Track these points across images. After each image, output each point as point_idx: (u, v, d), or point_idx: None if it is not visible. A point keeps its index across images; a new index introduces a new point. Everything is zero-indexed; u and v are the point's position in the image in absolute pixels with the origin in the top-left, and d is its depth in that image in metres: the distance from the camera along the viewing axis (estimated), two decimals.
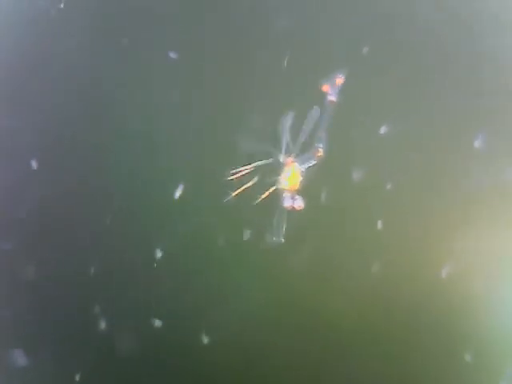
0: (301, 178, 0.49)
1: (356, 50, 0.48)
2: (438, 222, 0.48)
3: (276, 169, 0.49)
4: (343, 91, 0.48)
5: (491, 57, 0.49)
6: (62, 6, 0.52)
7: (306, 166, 0.49)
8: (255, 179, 0.48)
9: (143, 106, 0.51)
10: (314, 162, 0.49)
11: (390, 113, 0.49)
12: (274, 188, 0.49)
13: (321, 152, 0.48)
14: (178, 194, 0.50)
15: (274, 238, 0.48)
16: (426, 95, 0.49)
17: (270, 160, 0.49)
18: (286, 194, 0.49)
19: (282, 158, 0.49)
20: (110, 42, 0.52)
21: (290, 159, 0.49)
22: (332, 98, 0.48)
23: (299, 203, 0.49)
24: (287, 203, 0.48)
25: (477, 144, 0.48)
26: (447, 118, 0.49)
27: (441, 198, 0.48)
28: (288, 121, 0.48)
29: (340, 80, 0.48)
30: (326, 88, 0.48)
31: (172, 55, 0.50)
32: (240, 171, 0.48)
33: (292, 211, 0.48)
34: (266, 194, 0.48)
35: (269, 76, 0.49)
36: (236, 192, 0.48)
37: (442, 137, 0.49)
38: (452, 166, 0.49)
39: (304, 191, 0.49)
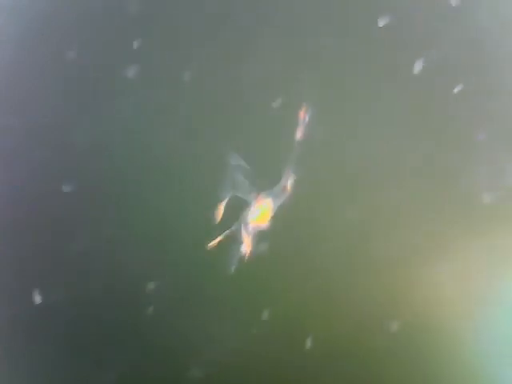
0: (271, 215, 0.49)
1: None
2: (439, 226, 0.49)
3: (246, 205, 0.49)
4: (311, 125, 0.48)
5: (492, 57, 0.49)
6: None
7: (278, 203, 0.49)
8: (228, 232, 0.49)
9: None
10: (283, 199, 0.49)
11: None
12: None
13: (289, 187, 0.48)
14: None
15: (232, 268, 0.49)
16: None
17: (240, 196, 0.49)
18: (250, 230, 0.49)
19: (252, 195, 0.49)
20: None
21: (261, 196, 0.49)
22: (300, 133, 0.48)
23: (264, 247, 0.49)
24: (243, 249, 0.49)
25: (478, 143, 0.48)
26: (446, 118, 0.49)
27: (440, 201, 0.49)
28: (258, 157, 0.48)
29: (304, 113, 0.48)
30: (302, 115, 0.48)
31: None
32: (217, 239, 0.49)
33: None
34: (219, 239, 0.48)
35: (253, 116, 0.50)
36: (212, 243, 0.49)
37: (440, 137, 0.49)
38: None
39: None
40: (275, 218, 0.49)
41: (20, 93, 0.53)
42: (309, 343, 0.48)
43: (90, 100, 0.51)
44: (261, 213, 0.49)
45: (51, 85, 0.52)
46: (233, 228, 0.49)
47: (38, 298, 0.51)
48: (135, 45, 0.51)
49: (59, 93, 0.52)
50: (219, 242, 0.48)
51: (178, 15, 0.51)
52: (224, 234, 0.48)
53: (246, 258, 0.49)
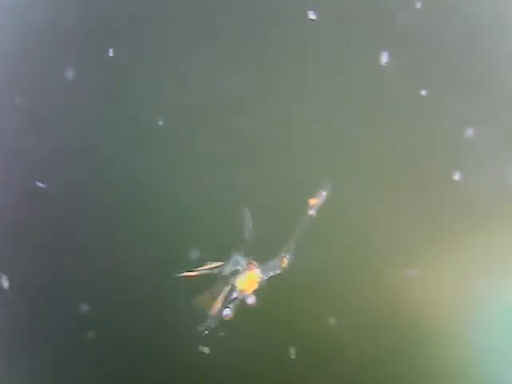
0: (256, 286, 0.48)
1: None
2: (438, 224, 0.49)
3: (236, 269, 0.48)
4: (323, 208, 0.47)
5: (491, 56, 0.49)
6: None
7: (270, 274, 0.48)
8: (215, 269, 0.48)
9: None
10: (278, 272, 0.48)
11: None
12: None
13: (286, 262, 0.47)
14: None
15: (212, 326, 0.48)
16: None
17: (231, 263, 0.48)
18: (237, 296, 0.48)
19: (244, 262, 0.48)
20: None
21: (254, 264, 0.48)
22: (312, 212, 0.47)
23: (251, 301, 0.48)
24: (226, 313, 0.48)
25: (475, 142, 0.48)
26: (446, 118, 0.49)
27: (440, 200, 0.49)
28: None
29: (323, 197, 0.47)
30: (313, 202, 0.47)
31: None
32: (194, 271, 0.48)
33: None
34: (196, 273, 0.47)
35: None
36: (188, 274, 0.48)
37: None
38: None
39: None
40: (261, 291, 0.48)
41: (20, 92, 0.53)
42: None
43: (91, 100, 0.51)
44: (247, 280, 0.48)
45: (52, 84, 0.52)
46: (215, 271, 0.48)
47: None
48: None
49: (60, 92, 0.52)
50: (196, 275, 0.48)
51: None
52: (205, 270, 0.48)
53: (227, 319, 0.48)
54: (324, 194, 0.47)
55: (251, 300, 0.48)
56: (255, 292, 0.48)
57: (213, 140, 0.49)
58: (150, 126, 0.50)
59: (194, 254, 0.48)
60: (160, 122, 0.50)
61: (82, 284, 0.51)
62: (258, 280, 0.48)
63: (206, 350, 0.48)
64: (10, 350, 0.52)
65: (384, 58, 0.47)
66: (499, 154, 0.48)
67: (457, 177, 0.48)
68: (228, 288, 0.48)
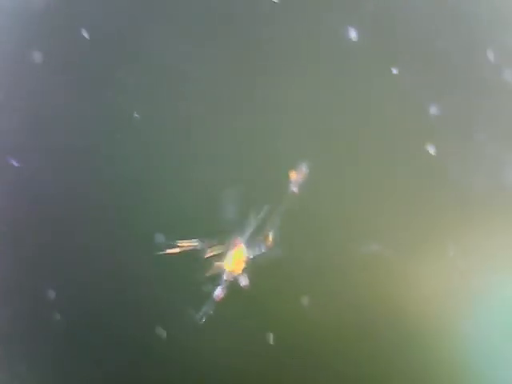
0: (244, 265, 0.47)
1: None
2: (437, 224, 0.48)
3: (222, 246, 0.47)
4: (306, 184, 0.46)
5: (492, 56, 0.49)
6: None
7: (255, 253, 0.47)
8: (197, 245, 0.47)
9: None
10: (263, 250, 0.46)
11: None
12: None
13: (270, 240, 0.46)
14: None
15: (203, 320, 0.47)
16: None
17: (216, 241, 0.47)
18: (227, 278, 0.47)
19: (229, 239, 0.47)
20: None
21: (238, 240, 0.47)
22: (294, 189, 0.46)
23: (244, 282, 0.46)
24: (218, 293, 0.47)
25: (478, 143, 0.48)
26: (446, 118, 0.49)
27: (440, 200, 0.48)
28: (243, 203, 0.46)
29: (303, 172, 0.46)
30: (293, 176, 0.46)
31: None
32: (178, 246, 0.47)
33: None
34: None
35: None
36: (170, 251, 0.47)
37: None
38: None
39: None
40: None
41: (21, 92, 0.52)
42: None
43: (91, 101, 0.51)
44: (234, 259, 0.47)
45: (52, 84, 0.52)
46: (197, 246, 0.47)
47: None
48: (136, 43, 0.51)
49: (60, 92, 0.52)
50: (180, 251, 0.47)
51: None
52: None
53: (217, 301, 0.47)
54: (304, 169, 0.46)
55: (244, 282, 0.46)
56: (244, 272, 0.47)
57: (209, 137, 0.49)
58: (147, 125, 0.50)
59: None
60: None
61: (82, 284, 0.51)
62: (245, 258, 0.47)
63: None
64: (10, 350, 0.52)
65: (352, 34, 0.46)
66: (500, 155, 0.48)
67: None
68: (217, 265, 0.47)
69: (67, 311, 0.52)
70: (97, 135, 0.51)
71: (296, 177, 0.46)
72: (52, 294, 0.51)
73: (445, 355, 0.49)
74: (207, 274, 0.47)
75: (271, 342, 0.48)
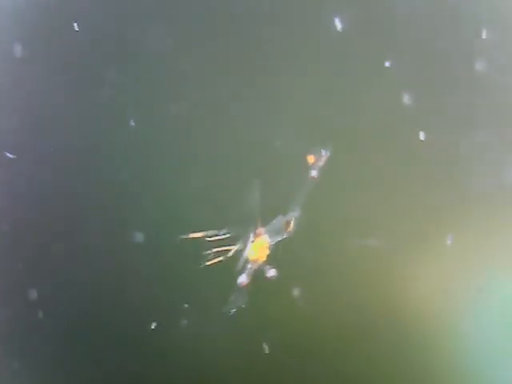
0: (268, 252, 0.47)
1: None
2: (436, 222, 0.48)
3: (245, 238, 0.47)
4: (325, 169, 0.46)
5: (491, 56, 0.49)
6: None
7: (277, 239, 0.47)
8: (232, 252, 0.47)
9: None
10: (284, 236, 0.47)
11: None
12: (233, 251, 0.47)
13: (292, 226, 0.47)
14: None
15: (232, 311, 0.47)
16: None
17: (229, 234, 0.47)
18: (250, 267, 0.47)
19: (251, 229, 0.47)
20: None
21: (260, 230, 0.47)
22: (314, 173, 0.46)
23: (272, 274, 0.47)
24: (242, 280, 0.47)
25: (478, 143, 0.48)
26: (445, 117, 0.49)
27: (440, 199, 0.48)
28: (261, 190, 0.46)
29: (326, 157, 0.46)
30: (311, 159, 0.46)
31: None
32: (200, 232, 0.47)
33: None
34: (211, 262, 0.47)
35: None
36: (210, 262, 0.47)
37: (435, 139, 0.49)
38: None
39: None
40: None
41: (21, 92, 0.53)
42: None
43: (91, 101, 0.51)
44: (258, 248, 0.47)
45: (52, 84, 0.52)
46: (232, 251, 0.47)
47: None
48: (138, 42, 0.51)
49: (61, 92, 0.52)
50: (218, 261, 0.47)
51: None
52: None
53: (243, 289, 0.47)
54: (324, 153, 0.46)
55: (272, 272, 0.47)
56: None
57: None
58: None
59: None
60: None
61: (82, 284, 0.51)
62: (268, 245, 0.47)
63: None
64: (9, 350, 0.52)
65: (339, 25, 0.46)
66: (500, 155, 0.48)
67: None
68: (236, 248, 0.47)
69: (67, 311, 0.52)
70: (97, 135, 0.51)
71: (313, 160, 0.46)
72: (52, 294, 0.51)
73: (444, 354, 0.48)
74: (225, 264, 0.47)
75: (270, 341, 0.48)
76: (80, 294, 0.51)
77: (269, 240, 0.47)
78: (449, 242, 0.48)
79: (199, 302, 0.49)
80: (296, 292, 0.47)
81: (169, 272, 0.49)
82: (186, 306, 0.48)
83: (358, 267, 0.47)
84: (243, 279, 0.47)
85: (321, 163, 0.46)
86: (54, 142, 0.52)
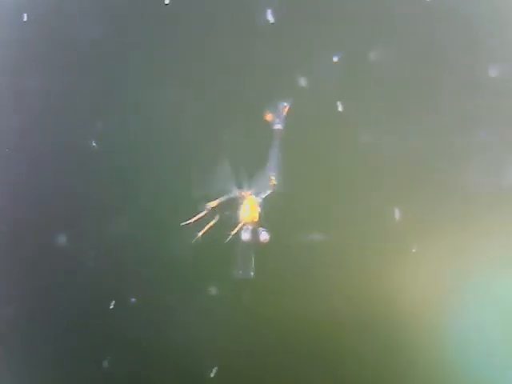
0: (259, 210, 0.49)
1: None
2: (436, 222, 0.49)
3: (234, 204, 0.49)
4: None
5: (492, 56, 0.49)
6: None
7: (263, 196, 0.49)
8: (217, 217, 0.48)
9: None
10: (269, 192, 0.49)
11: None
12: (242, 224, 0.48)
13: (274, 181, 0.48)
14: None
15: (241, 272, 0.48)
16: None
17: (225, 197, 0.49)
18: (247, 228, 0.48)
19: (237, 193, 0.49)
20: None
21: (247, 192, 0.49)
22: (278, 126, 0.48)
23: (265, 236, 0.48)
24: (245, 237, 0.48)
25: (478, 143, 0.48)
26: (446, 118, 0.49)
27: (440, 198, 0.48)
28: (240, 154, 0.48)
29: (286, 108, 0.48)
30: (269, 117, 0.48)
31: None
32: (194, 217, 0.48)
33: (256, 245, 0.48)
34: (236, 229, 0.48)
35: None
36: (202, 232, 0.48)
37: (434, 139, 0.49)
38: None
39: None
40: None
41: (21, 92, 0.53)
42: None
43: (92, 102, 0.52)
44: (249, 208, 0.49)
45: (54, 83, 0.52)
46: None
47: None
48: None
49: (61, 92, 0.52)
50: (208, 228, 0.48)
51: None
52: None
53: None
54: (285, 105, 0.48)
55: (264, 236, 0.48)
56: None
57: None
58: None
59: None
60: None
61: (82, 284, 0.51)
62: (258, 204, 0.49)
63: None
64: (10, 350, 0.52)
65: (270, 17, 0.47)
66: (500, 155, 0.48)
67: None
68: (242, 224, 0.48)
69: (67, 311, 0.52)
70: (96, 135, 0.51)
71: (273, 117, 0.48)
72: (52, 294, 0.52)
73: (444, 354, 0.49)
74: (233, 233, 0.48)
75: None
76: (80, 294, 0.51)
77: (256, 199, 0.49)
78: (449, 241, 0.48)
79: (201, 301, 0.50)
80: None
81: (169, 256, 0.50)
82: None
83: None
84: (246, 236, 0.48)
85: (282, 115, 0.48)
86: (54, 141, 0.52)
